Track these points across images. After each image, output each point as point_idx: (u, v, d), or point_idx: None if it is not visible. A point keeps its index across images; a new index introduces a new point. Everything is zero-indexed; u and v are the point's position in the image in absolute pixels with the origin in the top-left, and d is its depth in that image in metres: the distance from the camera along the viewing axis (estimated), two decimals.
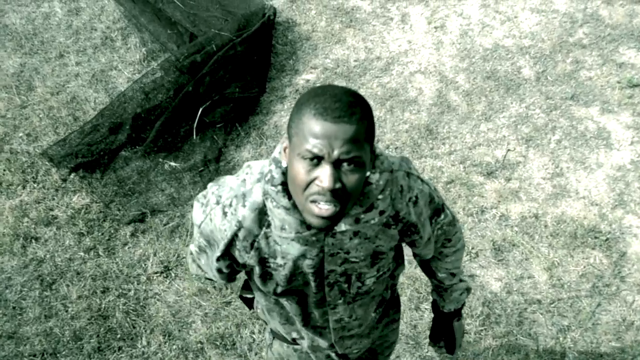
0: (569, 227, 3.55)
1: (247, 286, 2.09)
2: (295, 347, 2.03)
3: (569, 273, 3.39)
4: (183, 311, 3.36)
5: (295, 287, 1.67)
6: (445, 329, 2.11)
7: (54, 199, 3.77)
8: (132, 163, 3.90)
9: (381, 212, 1.53)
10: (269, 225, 1.54)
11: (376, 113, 4.16)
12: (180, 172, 3.89)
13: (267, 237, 1.56)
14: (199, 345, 3.23)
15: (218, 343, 3.21)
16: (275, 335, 2.07)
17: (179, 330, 3.29)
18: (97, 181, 3.82)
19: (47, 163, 3.88)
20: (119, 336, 3.28)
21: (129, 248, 3.60)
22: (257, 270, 1.63)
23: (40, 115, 4.16)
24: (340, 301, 1.73)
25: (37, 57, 4.51)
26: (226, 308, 3.33)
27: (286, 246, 1.55)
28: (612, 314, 3.24)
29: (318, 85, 4.34)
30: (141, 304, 3.40)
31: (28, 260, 3.54)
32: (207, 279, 1.95)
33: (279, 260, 1.59)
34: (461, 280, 1.98)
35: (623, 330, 3.18)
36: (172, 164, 3.92)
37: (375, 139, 4.01)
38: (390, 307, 2.05)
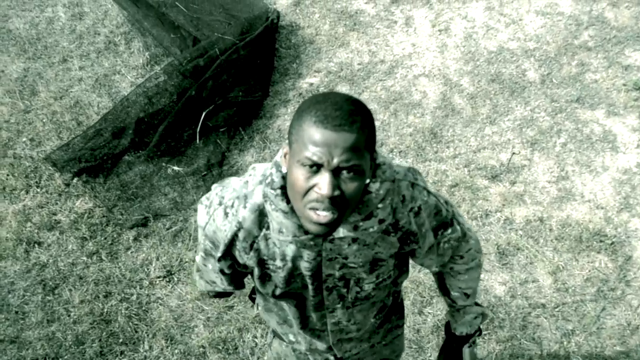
0: (574, 230, 3.53)
1: None
2: (294, 346, 2.02)
3: (574, 277, 3.36)
4: (185, 315, 3.35)
5: (294, 289, 1.67)
6: (455, 354, 2.06)
7: (57, 204, 3.77)
8: (135, 167, 3.90)
9: (380, 221, 1.51)
10: (268, 227, 1.55)
11: (380, 116, 4.15)
12: (183, 176, 3.88)
13: (266, 238, 1.57)
14: (201, 349, 3.22)
15: (220, 347, 3.20)
16: (275, 334, 2.08)
17: (181, 335, 3.28)
18: (100, 186, 3.82)
19: (50, 168, 3.88)
20: (121, 340, 3.27)
21: (131, 252, 3.59)
22: (256, 271, 1.64)
23: (44, 120, 4.17)
24: (339, 305, 1.73)
25: (40, 62, 4.51)
26: (228, 312, 3.32)
27: (284, 248, 1.56)
28: (617, 318, 3.21)
29: (320, 91, 4.33)
30: (143, 308, 3.39)
31: (31, 265, 3.54)
32: (215, 295, 1.96)
33: (278, 262, 1.60)
34: (476, 304, 1.95)
35: (628, 334, 3.15)
36: (175, 168, 3.91)
37: (379, 142, 4.01)
38: (392, 313, 2.03)
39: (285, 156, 1.45)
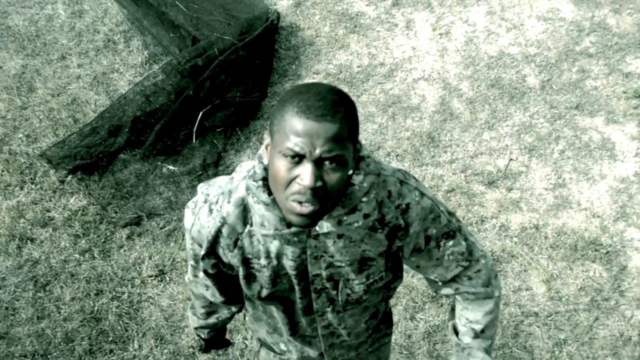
0: (570, 239, 3.50)
1: None
2: (285, 356, 1.99)
3: (568, 286, 3.33)
4: (176, 315, 3.33)
5: (280, 291, 1.64)
6: None
7: (51, 201, 3.76)
8: (131, 166, 3.89)
9: (365, 216, 1.49)
10: (252, 224, 1.52)
11: (378, 120, 4.13)
12: (178, 175, 3.87)
13: (250, 235, 1.54)
14: (190, 349, 3.20)
15: None
16: (262, 343, 2.05)
17: (171, 335, 3.26)
18: (94, 183, 3.81)
19: (45, 164, 3.88)
20: (110, 339, 3.26)
21: (124, 251, 3.58)
22: (241, 271, 1.61)
23: (40, 117, 4.16)
24: (329, 309, 1.70)
25: (39, 59, 4.51)
26: None
27: (268, 245, 1.53)
28: (610, 328, 3.18)
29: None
30: (134, 307, 3.38)
31: (23, 261, 3.53)
32: (206, 346, 2.00)
33: (262, 261, 1.57)
34: (487, 352, 1.78)
35: (620, 345, 3.12)
36: (171, 167, 3.90)
37: (377, 145, 3.99)
38: (382, 322, 1.99)
39: (267, 148, 1.43)
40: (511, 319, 3.22)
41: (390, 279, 1.72)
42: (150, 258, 3.53)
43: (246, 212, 1.52)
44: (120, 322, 3.31)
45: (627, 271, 3.38)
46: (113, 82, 4.38)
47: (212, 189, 1.58)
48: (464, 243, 1.65)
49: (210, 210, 1.55)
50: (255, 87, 4.21)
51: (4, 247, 3.57)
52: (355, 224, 1.49)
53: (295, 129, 1.30)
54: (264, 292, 1.64)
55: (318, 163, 1.32)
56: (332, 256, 1.55)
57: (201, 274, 1.72)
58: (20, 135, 4.06)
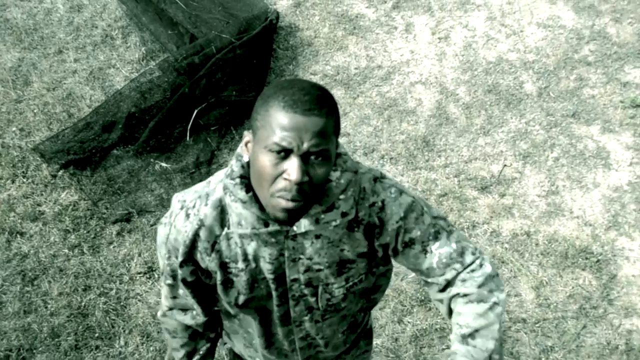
0: (561, 246, 3.48)
1: None
2: None
3: (557, 293, 3.32)
4: None
5: (258, 298, 1.60)
6: None
7: (42, 195, 3.76)
8: (124, 162, 3.88)
9: (343, 214, 1.47)
10: (230, 225, 1.50)
11: (373, 122, 4.11)
12: (171, 173, 3.86)
13: (228, 238, 1.52)
14: None
15: None
16: (236, 355, 2.02)
17: (158, 332, 3.25)
18: (86, 179, 3.80)
19: (38, 158, 3.87)
20: (97, 335, 3.25)
21: (113, 247, 3.57)
22: (218, 276, 1.57)
23: (35, 111, 4.16)
24: (306, 318, 1.66)
25: (35, 52, 4.50)
26: None
27: (246, 247, 1.51)
28: (597, 336, 3.16)
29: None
30: (122, 303, 3.37)
31: (12, 255, 3.52)
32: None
33: (240, 264, 1.54)
34: None
35: (607, 353, 3.10)
36: (163, 164, 3.89)
37: (371, 148, 3.98)
38: (362, 337, 1.95)
39: (246, 145, 1.42)
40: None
41: (371, 285, 1.68)
42: (139, 255, 3.52)
43: (224, 214, 1.50)
44: (107, 318, 3.30)
45: (617, 280, 3.36)
46: (109, 77, 4.38)
47: (188, 194, 1.56)
48: (454, 245, 1.56)
49: (187, 215, 1.52)
50: (252, 86, 4.21)
51: None
52: (333, 223, 1.47)
53: (282, 123, 1.30)
54: (241, 299, 1.60)
55: (304, 158, 1.32)
56: (310, 258, 1.52)
57: (181, 291, 1.66)
58: (14, 129, 4.06)
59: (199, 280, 1.63)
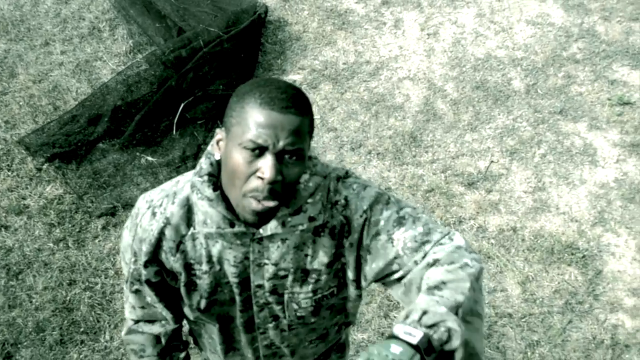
0: (547, 242, 3.49)
1: None
2: None
3: (543, 288, 3.32)
4: None
5: (220, 302, 1.56)
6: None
7: (27, 188, 3.72)
8: (109, 156, 3.85)
9: (311, 218, 1.43)
10: (196, 224, 1.47)
11: (361, 117, 4.11)
12: (157, 167, 3.84)
13: (193, 239, 1.48)
14: None
15: None
16: None
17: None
18: (72, 172, 3.77)
19: (23, 151, 3.84)
20: (82, 329, 3.22)
21: (99, 241, 3.55)
22: (182, 278, 1.53)
23: (20, 103, 4.12)
24: (271, 325, 1.61)
25: (22, 44, 4.46)
26: None
27: (210, 248, 1.47)
28: (583, 331, 3.18)
29: (303, 89, 4.29)
30: (107, 298, 3.34)
31: None
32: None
33: (204, 266, 1.50)
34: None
35: (592, 348, 3.11)
36: (149, 158, 3.87)
37: (358, 143, 3.97)
38: (334, 349, 1.88)
39: (218, 143, 1.39)
40: (485, 320, 3.21)
41: (343, 299, 1.60)
42: None
43: (190, 214, 1.46)
44: (93, 312, 3.28)
45: (603, 275, 3.37)
46: (96, 70, 4.35)
47: (155, 194, 1.52)
48: (420, 229, 1.43)
49: (154, 214, 1.48)
50: (239, 80, 4.18)
51: None
52: (300, 227, 1.43)
53: (258, 120, 1.27)
54: (203, 303, 1.56)
55: (279, 157, 1.29)
56: (275, 264, 1.48)
57: (149, 298, 1.59)
58: None
59: (164, 282, 1.57)
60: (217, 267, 1.50)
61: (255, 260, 1.48)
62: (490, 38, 4.58)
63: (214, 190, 1.40)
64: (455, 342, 1.08)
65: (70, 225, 3.59)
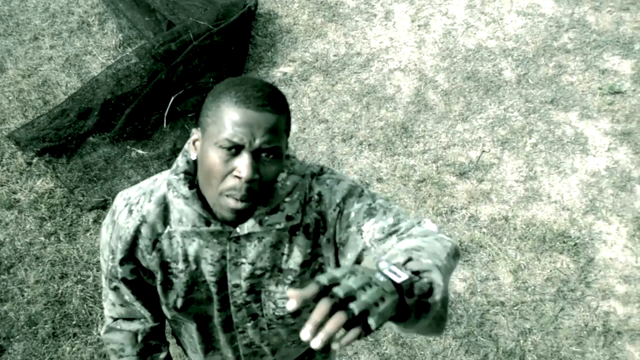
0: (538, 230, 3.50)
1: None
2: None
3: (535, 276, 3.33)
4: None
5: (197, 301, 1.55)
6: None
7: (17, 182, 3.71)
8: (100, 149, 3.84)
9: (288, 217, 1.43)
10: (172, 223, 1.46)
11: (352, 109, 4.10)
12: (147, 160, 3.83)
13: (170, 237, 1.47)
14: None
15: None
16: None
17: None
18: (62, 166, 3.76)
19: (13, 146, 3.82)
20: (74, 322, 3.22)
21: (90, 234, 3.54)
22: (158, 277, 1.52)
23: (10, 98, 4.10)
24: (250, 324, 1.60)
25: (10, 39, 4.44)
26: None
27: (187, 247, 1.47)
28: (575, 319, 3.18)
29: (294, 81, 4.28)
30: (99, 290, 3.33)
31: None
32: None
33: (180, 265, 1.49)
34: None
35: (584, 335, 3.12)
36: (140, 151, 3.86)
37: (349, 134, 3.97)
38: (319, 350, 1.86)
39: (194, 143, 1.38)
40: (477, 308, 3.21)
41: None
42: None
43: (167, 212, 1.46)
44: (85, 305, 3.27)
45: (594, 263, 3.38)
46: (85, 64, 4.33)
47: (132, 191, 1.51)
48: (390, 220, 1.40)
49: (130, 212, 1.47)
50: (229, 73, 4.18)
51: None
52: (277, 226, 1.43)
53: (234, 119, 1.26)
54: (179, 302, 1.55)
55: (255, 155, 1.28)
56: (252, 263, 1.47)
57: (126, 296, 1.59)
58: None
59: (140, 281, 1.57)
60: (194, 266, 1.49)
61: (232, 259, 1.47)
62: (481, 29, 4.58)
63: (190, 188, 1.40)
64: (437, 296, 1.02)
65: (61, 219, 3.58)
